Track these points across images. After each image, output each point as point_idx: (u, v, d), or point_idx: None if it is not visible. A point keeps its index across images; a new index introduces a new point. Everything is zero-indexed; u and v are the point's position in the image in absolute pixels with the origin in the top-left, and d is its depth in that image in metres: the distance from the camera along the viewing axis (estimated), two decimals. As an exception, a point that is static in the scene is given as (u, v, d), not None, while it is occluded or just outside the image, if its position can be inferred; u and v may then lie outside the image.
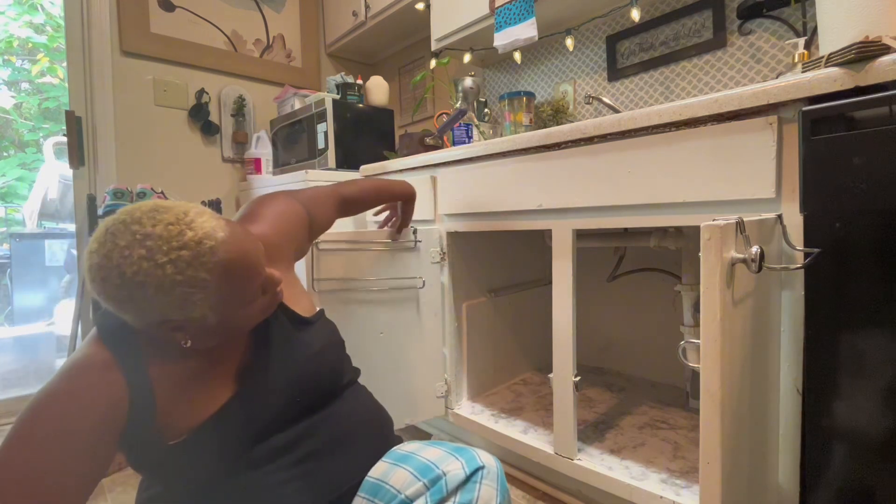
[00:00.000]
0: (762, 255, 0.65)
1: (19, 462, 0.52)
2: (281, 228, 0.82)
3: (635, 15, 1.51)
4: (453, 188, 1.35)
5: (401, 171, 1.55)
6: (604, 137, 1.00)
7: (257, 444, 0.65)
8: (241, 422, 0.64)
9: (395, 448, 0.76)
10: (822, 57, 0.75)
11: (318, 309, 0.82)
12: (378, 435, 0.77)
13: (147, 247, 0.52)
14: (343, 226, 1.88)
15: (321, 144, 2.05)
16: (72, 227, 3.01)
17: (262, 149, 2.33)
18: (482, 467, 0.66)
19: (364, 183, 1.10)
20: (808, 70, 0.75)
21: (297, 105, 2.24)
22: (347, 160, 2.06)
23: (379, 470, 0.70)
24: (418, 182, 1.46)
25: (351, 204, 1.05)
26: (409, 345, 1.32)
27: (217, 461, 0.63)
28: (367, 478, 0.70)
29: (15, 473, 0.51)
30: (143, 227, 0.53)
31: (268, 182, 2.19)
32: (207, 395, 0.64)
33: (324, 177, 1.90)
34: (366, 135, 2.15)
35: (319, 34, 2.68)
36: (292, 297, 0.78)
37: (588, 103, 1.73)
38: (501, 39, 1.64)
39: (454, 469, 0.65)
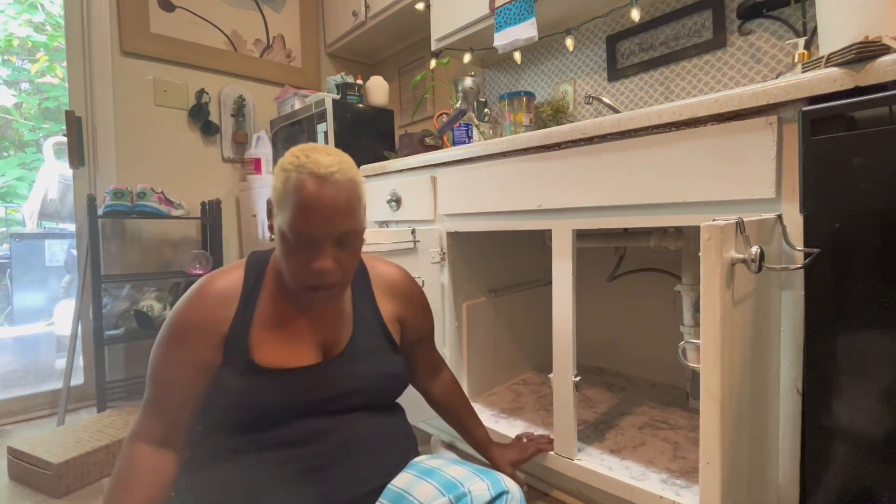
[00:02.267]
0: (762, 255, 0.65)
1: (153, 356, 0.70)
2: (406, 306, 0.89)
3: (635, 15, 1.51)
4: (453, 188, 1.35)
5: (401, 170, 1.55)
6: (604, 137, 1.00)
7: (295, 420, 0.69)
8: (313, 386, 0.71)
9: (417, 461, 0.76)
10: (822, 57, 0.75)
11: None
12: (399, 449, 0.78)
13: (308, 149, 0.69)
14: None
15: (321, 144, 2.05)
16: (72, 227, 3.01)
17: (262, 149, 2.34)
18: (507, 492, 0.68)
19: (456, 397, 1.01)
20: (808, 70, 0.75)
21: (297, 105, 2.24)
22: (347, 160, 2.06)
23: (403, 480, 0.71)
24: (418, 182, 1.46)
25: (432, 393, 1.00)
26: (409, 345, 1.32)
27: (289, 406, 0.69)
28: (389, 486, 0.71)
29: (150, 367, 0.70)
30: (324, 148, 0.70)
31: (268, 182, 2.19)
32: (292, 348, 0.72)
33: (324, 177, 1.90)
34: (366, 135, 2.15)
35: (319, 34, 2.69)
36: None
37: (588, 103, 1.73)
38: (501, 39, 1.64)
39: (480, 489, 0.67)
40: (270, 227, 0.72)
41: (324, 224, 0.65)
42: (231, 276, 0.74)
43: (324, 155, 0.67)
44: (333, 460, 0.68)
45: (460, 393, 1.02)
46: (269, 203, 0.72)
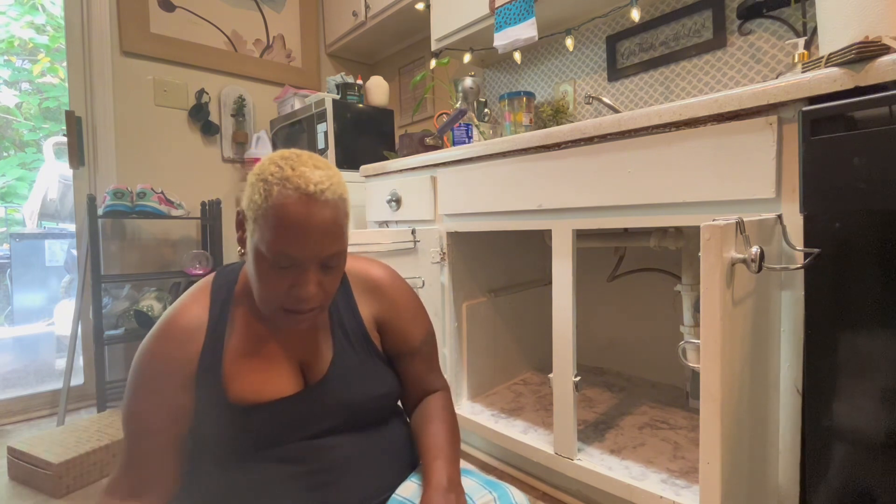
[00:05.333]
0: (762, 255, 0.65)
1: (124, 403, 0.64)
2: (399, 304, 0.78)
3: (635, 15, 1.51)
4: (453, 188, 1.35)
5: (401, 170, 1.55)
6: (604, 137, 1.00)
7: (286, 444, 0.65)
8: (298, 418, 0.66)
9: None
10: (822, 57, 0.75)
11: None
12: (399, 461, 0.75)
13: (292, 158, 0.61)
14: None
15: (321, 144, 2.05)
16: (72, 227, 3.01)
17: (262, 149, 2.34)
18: None
19: (427, 422, 0.76)
20: (808, 70, 0.75)
21: (297, 105, 2.24)
22: (347, 160, 2.06)
23: (408, 490, 0.69)
24: (418, 182, 1.46)
25: (411, 419, 0.81)
26: (409, 345, 1.32)
27: (264, 440, 0.64)
28: (394, 496, 0.69)
29: (122, 415, 0.64)
30: (309, 156, 0.63)
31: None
32: (269, 378, 0.66)
33: (324, 177, 1.90)
34: (366, 135, 2.15)
35: (319, 34, 2.69)
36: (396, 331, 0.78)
37: (588, 103, 1.73)
38: (501, 40, 1.64)
39: (487, 503, 0.65)
40: (241, 240, 0.65)
41: (309, 247, 0.59)
42: (196, 309, 0.67)
43: (312, 168, 0.60)
44: (332, 477, 0.66)
45: (436, 421, 0.75)
46: (240, 214, 0.65)
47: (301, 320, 0.63)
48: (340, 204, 0.61)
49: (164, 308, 1.97)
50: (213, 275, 0.72)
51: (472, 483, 0.70)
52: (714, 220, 0.66)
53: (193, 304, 0.68)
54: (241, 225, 0.65)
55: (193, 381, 0.64)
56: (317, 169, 0.60)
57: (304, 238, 0.58)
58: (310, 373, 0.69)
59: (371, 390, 0.72)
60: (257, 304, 0.65)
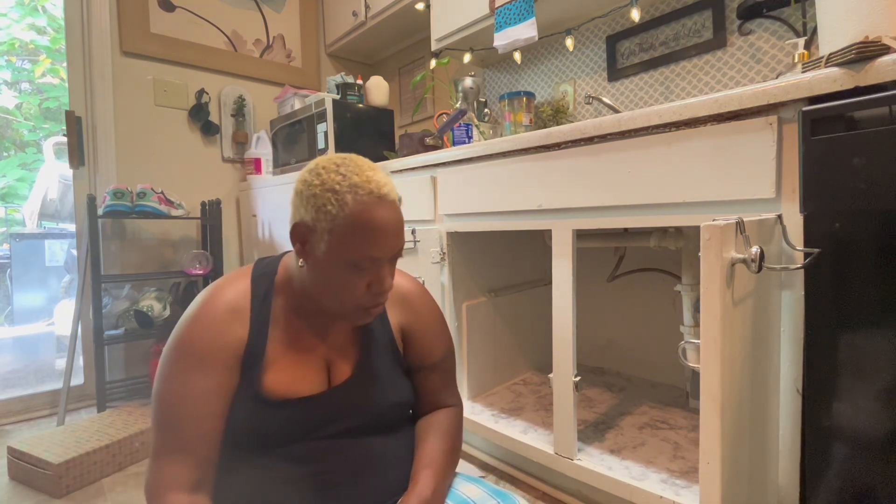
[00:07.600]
0: (762, 255, 0.65)
1: (164, 391, 0.61)
2: (420, 317, 0.79)
3: (635, 15, 1.51)
4: (453, 188, 1.35)
5: (401, 170, 1.55)
6: (604, 138, 1.00)
7: (302, 442, 0.66)
8: (319, 417, 0.67)
9: None
10: (822, 57, 0.75)
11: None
12: (408, 467, 0.75)
13: (345, 163, 0.63)
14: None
15: (321, 144, 2.05)
16: (72, 227, 3.01)
17: (262, 149, 2.34)
18: None
19: (436, 441, 0.74)
20: (808, 70, 0.75)
21: (297, 105, 2.24)
22: (347, 160, 2.06)
23: None
24: (418, 182, 1.46)
25: (417, 416, 0.81)
26: (409, 345, 1.32)
27: (284, 435, 0.65)
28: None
29: (162, 403, 0.61)
30: (357, 158, 0.65)
31: (268, 182, 2.19)
32: (300, 374, 0.67)
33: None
34: (366, 135, 2.15)
35: (319, 34, 2.69)
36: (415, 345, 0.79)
37: (588, 103, 1.73)
38: (501, 40, 1.64)
39: None
40: (300, 253, 0.65)
41: (389, 246, 0.63)
42: (236, 289, 0.67)
43: (373, 171, 0.63)
44: (342, 479, 0.66)
45: (438, 434, 0.75)
46: (300, 226, 0.63)
47: (375, 313, 0.67)
48: (398, 201, 0.66)
49: (165, 308, 1.97)
50: (251, 265, 0.73)
51: (480, 492, 0.70)
52: (714, 220, 0.66)
53: (234, 284, 0.68)
54: (300, 238, 0.64)
55: (239, 365, 0.64)
56: (375, 171, 0.63)
57: (385, 238, 0.62)
58: (335, 372, 0.70)
59: (390, 397, 0.73)
60: (327, 306, 0.66)
